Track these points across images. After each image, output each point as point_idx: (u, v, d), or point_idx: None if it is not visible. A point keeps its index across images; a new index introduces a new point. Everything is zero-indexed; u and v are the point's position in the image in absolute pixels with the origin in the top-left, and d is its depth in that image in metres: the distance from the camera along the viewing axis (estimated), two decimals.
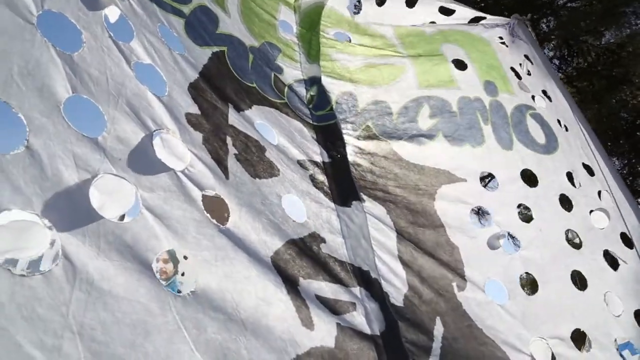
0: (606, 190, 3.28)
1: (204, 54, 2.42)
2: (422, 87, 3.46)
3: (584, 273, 2.86)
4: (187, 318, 1.55)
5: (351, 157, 2.92)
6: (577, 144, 3.60)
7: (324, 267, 2.19)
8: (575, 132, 3.60)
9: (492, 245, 2.77)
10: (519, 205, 3.06)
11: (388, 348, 2.14)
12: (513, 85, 3.67)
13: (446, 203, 2.91)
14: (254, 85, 2.70)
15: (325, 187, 2.58)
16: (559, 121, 3.68)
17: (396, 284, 2.46)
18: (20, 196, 1.34)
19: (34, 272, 1.29)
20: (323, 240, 2.32)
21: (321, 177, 2.62)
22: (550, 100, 3.77)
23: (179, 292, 1.62)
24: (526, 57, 3.92)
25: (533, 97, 3.67)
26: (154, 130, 1.84)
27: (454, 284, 2.58)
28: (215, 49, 2.53)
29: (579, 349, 2.59)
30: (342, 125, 3.01)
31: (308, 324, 1.91)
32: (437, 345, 2.34)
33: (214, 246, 1.77)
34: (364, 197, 2.73)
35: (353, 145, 3.00)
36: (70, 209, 1.44)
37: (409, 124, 3.20)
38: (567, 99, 3.69)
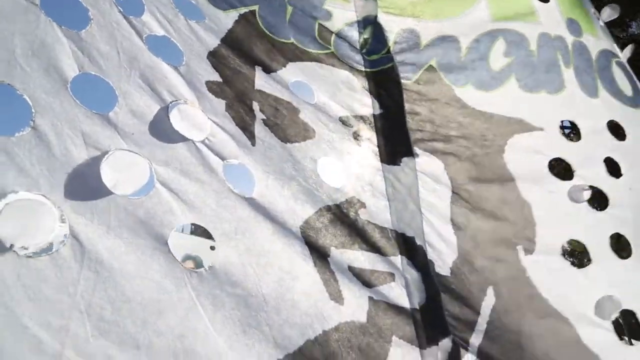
0: None
1: (228, 18, 2.30)
2: (496, 20, 2.99)
3: None
4: (204, 294, 1.52)
5: (408, 104, 2.62)
6: None
7: (361, 234, 2.07)
8: None
9: (575, 198, 2.40)
10: (606, 159, 2.65)
11: (427, 323, 2.01)
12: (597, 28, 3.23)
13: (519, 154, 2.54)
14: (291, 40, 2.53)
15: (371, 145, 2.41)
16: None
17: (444, 251, 2.28)
18: (26, 178, 1.34)
19: (41, 253, 1.30)
20: (363, 205, 2.18)
21: (367, 133, 2.44)
22: None
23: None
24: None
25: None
26: (171, 102, 1.78)
27: (520, 247, 2.28)
28: (243, 10, 2.40)
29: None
30: (400, 68, 2.69)
31: (337, 297, 1.82)
32: (483, 319, 2.14)
33: (235, 218, 1.71)
34: (419, 151, 2.47)
35: (411, 91, 2.68)
36: (79, 188, 1.43)
37: (479, 62, 2.80)
38: None
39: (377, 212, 2.22)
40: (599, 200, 2.50)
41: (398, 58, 2.74)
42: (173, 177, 1.64)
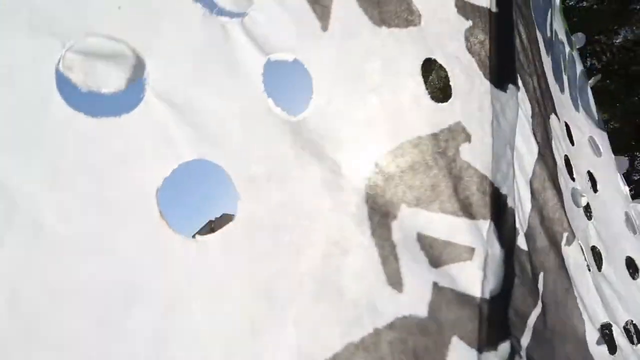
0: None
1: None
2: None
3: (637, 261, 2.69)
4: (203, 276, 1.01)
5: (515, 15, 2.00)
6: None
7: (453, 185, 1.43)
8: None
9: (576, 201, 2.41)
10: (588, 172, 2.76)
11: (492, 319, 1.45)
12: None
13: (555, 134, 2.30)
14: None
15: (482, 53, 1.63)
16: None
17: (522, 218, 1.76)
18: None
19: None
20: (468, 138, 1.50)
21: (481, 35, 1.64)
22: None
23: None
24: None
25: None
26: None
27: (565, 235, 2.03)
28: None
29: (631, 342, 2.34)
30: None
31: (395, 282, 1.26)
32: (536, 312, 1.74)
33: (269, 156, 1.12)
34: (520, 82, 1.86)
35: (515, 2, 2.03)
36: (11, 105, 0.88)
37: (544, 15, 2.59)
38: None
39: (481, 150, 1.56)
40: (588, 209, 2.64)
41: None
42: (177, 85, 1.02)
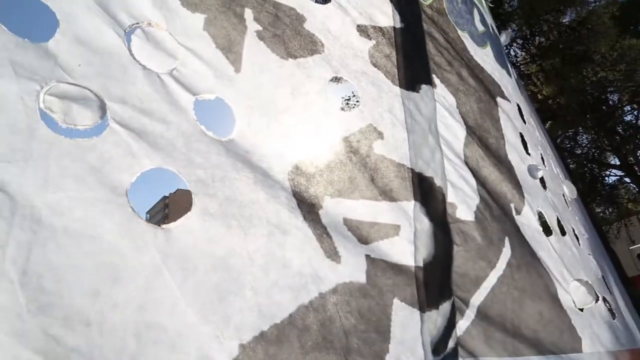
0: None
1: None
2: None
3: (576, 231, 2.84)
4: (172, 257, 1.26)
5: (426, 26, 2.40)
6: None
7: (370, 176, 1.77)
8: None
9: (532, 174, 2.61)
10: (539, 147, 2.99)
11: (429, 283, 1.74)
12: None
13: (505, 115, 2.61)
14: None
15: (389, 65, 2.05)
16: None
17: (468, 193, 2.02)
18: None
19: None
20: (380, 136, 1.87)
21: (387, 50, 2.08)
22: None
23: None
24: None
25: None
26: (130, 25, 1.47)
27: (512, 205, 2.26)
28: None
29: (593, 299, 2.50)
30: None
31: (333, 255, 1.55)
32: (495, 274, 1.94)
33: (210, 165, 1.43)
34: (437, 80, 2.23)
35: (427, 14, 2.47)
36: (7, 130, 1.15)
37: (469, 16, 2.90)
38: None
39: (395, 145, 1.91)
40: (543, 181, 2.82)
41: None
42: (132, 116, 1.34)
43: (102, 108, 1.30)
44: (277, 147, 1.61)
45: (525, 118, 3.01)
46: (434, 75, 2.20)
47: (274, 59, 1.72)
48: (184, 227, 1.31)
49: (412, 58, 2.15)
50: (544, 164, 2.99)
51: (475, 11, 3.03)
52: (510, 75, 3.08)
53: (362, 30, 2.04)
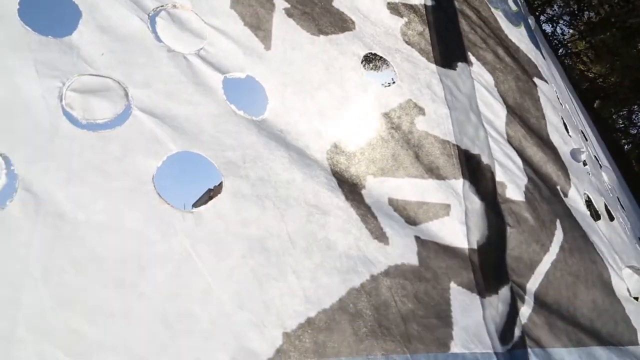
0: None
1: None
2: None
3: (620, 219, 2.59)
4: (201, 240, 1.19)
5: (458, 3, 2.29)
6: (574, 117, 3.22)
7: (414, 153, 1.62)
8: (570, 107, 3.18)
9: (575, 157, 2.44)
10: (580, 131, 2.85)
11: (485, 267, 1.55)
12: None
13: (544, 96, 2.43)
14: None
15: (422, 42, 1.93)
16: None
17: (516, 173, 1.84)
18: None
19: None
20: (421, 112, 1.73)
21: (419, 27, 1.96)
22: None
23: None
24: None
25: None
26: (154, 9, 1.42)
27: (559, 188, 2.08)
28: None
29: None
30: None
31: (380, 236, 1.41)
32: (549, 258, 1.75)
33: (241, 145, 1.35)
34: (473, 59, 2.10)
35: None
36: (32, 130, 1.14)
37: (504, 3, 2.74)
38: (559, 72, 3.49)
39: (437, 120, 1.78)
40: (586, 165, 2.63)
41: None
42: (156, 101, 1.29)
43: (125, 96, 1.26)
44: (314, 124, 1.50)
45: (561, 101, 2.81)
46: (469, 53, 2.05)
47: (305, 35, 1.64)
48: (215, 209, 1.24)
49: (446, 36, 2.03)
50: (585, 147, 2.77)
51: None
52: (544, 57, 2.90)
53: (392, 7, 1.95)
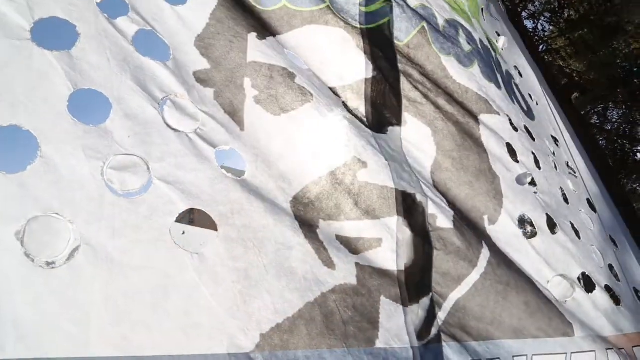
0: (569, 161, 3.97)
1: None
2: (453, 11, 3.45)
3: (576, 226, 3.20)
4: (205, 272, 1.73)
5: (402, 65, 2.78)
6: (545, 118, 4.13)
7: (353, 201, 2.20)
8: (543, 106, 4.18)
9: (520, 181, 2.91)
10: (532, 152, 3.30)
11: (410, 283, 2.16)
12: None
13: (487, 131, 2.92)
14: (282, 3, 2.53)
15: (359, 114, 2.49)
16: (530, 95, 4.14)
17: (444, 207, 2.42)
18: (40, 203, 1.52)
19: (58, 264, 1.50)
20: (364, 165, 2.27)
21: (355, 103, 2.52)
22: (521, 76, 4.26)
23: None
24: (497, 33, 4.24)
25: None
26: (162, 98, 1.94)
27: (486, 217, 2.62)
28: None
29: (587, 292, 2.85)
30: (396, 26, 2.85)
31: (329, 264, 1.99)
32: (477, 272, 2.32)
33: (230, 200, 1.89)
34: (409, 117, 2.62)
35: (403, 54, 2.84)
36: (86, 199, 1.61)
37: (455, 39, 3.17)
38: (535, 73, 4.38)
39: (378, 170, 2.30)
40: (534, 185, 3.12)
41: (396, 11, 2.81)
42: (169, 171, 1.81)
43: (148, 170, 1.78)
44: (279, 184, 2.07)
45: (516, 125, 3.30)
46: (405, 113, 2.59)
47: (268, 117, 2.17)
48: (213, 250, 1.78)
49: (381, 103, 2.55)
50: (537, 166, 3.29)
51: (461, 31, 3.33)
52: (499, 87, 3.36)
53: (333, 91, 2.49)
